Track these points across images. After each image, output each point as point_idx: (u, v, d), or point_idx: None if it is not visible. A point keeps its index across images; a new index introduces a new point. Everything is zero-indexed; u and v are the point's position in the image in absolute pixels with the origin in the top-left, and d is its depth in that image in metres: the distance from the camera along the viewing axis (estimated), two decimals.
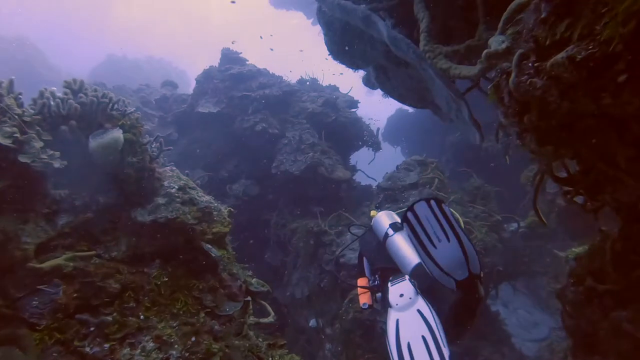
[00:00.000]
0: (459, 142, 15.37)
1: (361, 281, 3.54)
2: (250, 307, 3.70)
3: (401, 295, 2.86)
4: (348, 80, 13.62)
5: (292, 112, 11.93)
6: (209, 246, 3.53)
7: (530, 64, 1.30)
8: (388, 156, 16.45)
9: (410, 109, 22.19)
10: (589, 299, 2.88)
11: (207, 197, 3.24)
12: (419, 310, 2.73)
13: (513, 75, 1.37)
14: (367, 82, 5.72)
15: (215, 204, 3.24)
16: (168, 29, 54.58)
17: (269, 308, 3.91)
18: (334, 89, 13.10)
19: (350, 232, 4.63)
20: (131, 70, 30.41)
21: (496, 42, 1.53)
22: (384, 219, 3.54)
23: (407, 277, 2.94)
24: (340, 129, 11.90)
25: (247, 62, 12.95)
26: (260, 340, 3.68)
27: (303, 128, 11.36)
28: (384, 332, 7.05)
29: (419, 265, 2.90)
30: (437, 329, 2.60)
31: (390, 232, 3.31)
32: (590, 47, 1.01)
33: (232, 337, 3.10)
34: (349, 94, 13.11)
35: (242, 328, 3.32)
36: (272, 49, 18.10)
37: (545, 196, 8.13)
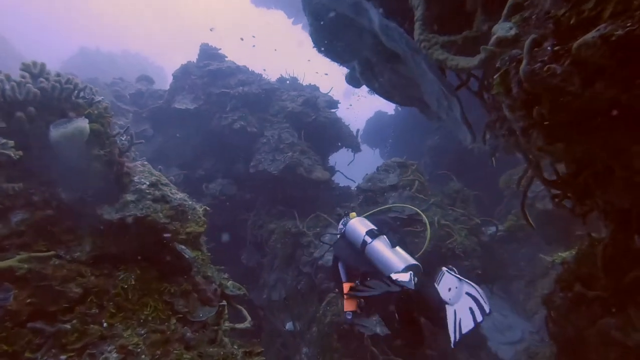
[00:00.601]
0: (438, 146, 15.44)
1: (347, 287, 3.67)
2: (226, 312, 3.50)
3: (449, 290, 3.09)
4: (328, 82, 13.54)
5: (271, 111, 11.72)
6: (183, 247, 3.31)
7: (548, 48, 1.16)
8: (366, 159, 16.40)
9: (390, 112, 22.32)
10: (577, 305, 2.80)
11: (180, 195, 3.02)
12: (467, 293, 3.08)
13: (524, 62, 1.24)
14: (351, 80, 5.57)
15: (190, 202, 3.02)
16: (145, 24, 53.47)
17: (245, 312, 3.70)
18: (314, 88, 12.95)
19: (322, 242, 4.55)
20: (105, 65, 29.41)
21: (503, 29, 1.40)
22: (358, 226, 3.76)
23: (444, 269, 3.17)
24: (320, 129, 11.75)
25: (226, 59, 12.67)
26: (236, 347, 3.47)
27: (282, 127, 11.17)
28: (361, 335, 6.86)
29: (405, 269, 3.25)
30: (481, 296, 3.04)
31: (368, 239, 3.55)
32: (629, 24, 0.87)
33: (205, 345, 2.89)
34: (329, 93, 12.97)
35: (216, 335, 3.11)
36: (254, 46, 17.82)
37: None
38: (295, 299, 8.62)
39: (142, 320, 2.50)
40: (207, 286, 3.05)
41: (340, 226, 4.17)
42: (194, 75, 11.91)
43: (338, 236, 4.11)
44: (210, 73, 11.83)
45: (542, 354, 6.71)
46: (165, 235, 2.78)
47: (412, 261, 3.48)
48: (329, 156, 13.27)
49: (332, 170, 12.13)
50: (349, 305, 3.70)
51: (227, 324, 3.49)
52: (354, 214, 4.13)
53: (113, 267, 2.66)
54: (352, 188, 13.42)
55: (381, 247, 3.54)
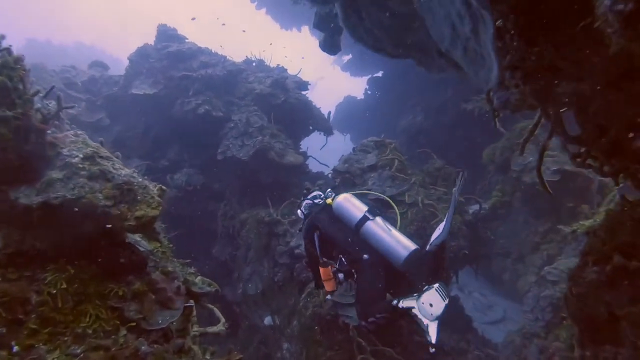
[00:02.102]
0: (411, 127, 15.11)
1: (324, 271, 3.48)
2: (194, 313, 2.89)
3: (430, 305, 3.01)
4: (295, 66, 12.84)
5: (237, 94, 10.99)
6: (136, 237, 2.67)
7: None
8: (338, 145, 15.92)
9: (359, 96, 21.86)
10: (615, 280, 2.37)
11: (127, 171, 2.37)
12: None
13: None
14: (325, 45, 5.00)
15: (140, 180, 2.38)
16: (100, 16, 50.83)
17: (218, 313, 3.11)
18: (282, 70, 12.25)
19: (302, 211, 4.05)
20: (57, 57, 27.55)
21: None
22: (354, 203, 3.56)
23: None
24: (291, 112, 11.12)
25: (187, 40, 11.79)
26: (209, 356, 2.88)
27: (250, 110, 10.47)
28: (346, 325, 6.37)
29: (414, 251, 3.19)
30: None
31: (370, 216, 3.40)
32: None
33: (169, 358, 2.29)
34: (298, 75, 12.33)
35: (183, 344, 2.51)
36: (223, 24, 16.84)
37: (510, 174, 7.84)
38: (272, 291, 8.05)
39: (78, 335, 1.87)
40: (168, 284, 2.44)
41: (309, 202, 3.96)
42: (152, 58, 11.01)
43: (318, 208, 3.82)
44: (170, 55, 10.96)
45: (538, 334, 6.41)
46: (108, 223, 2.14)
47: (414, 246, 3.35)
48: (301, 141, 12.68)
49: (304, 156, 11.54)
50: (330, 286, 3.56)
51: (196, 328, 2.88)
52: (328, 201, 3.83)
53: (38, 268, 2.01)
54: (326, 173, 12.92)
55: (382, 228, 3.37)
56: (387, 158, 8.52)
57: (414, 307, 2.95)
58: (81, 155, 2.17)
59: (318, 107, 12.91)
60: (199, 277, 3.45)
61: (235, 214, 9.85)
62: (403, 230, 3.89)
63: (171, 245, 3.19)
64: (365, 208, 3.53)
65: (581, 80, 2.38)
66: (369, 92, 21.06)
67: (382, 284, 3.32)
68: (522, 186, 7.38)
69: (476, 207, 8.87)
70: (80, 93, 11.02)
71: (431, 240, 3.45)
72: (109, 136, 10.72)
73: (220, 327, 2.91)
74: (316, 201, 3.94)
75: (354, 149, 9.15)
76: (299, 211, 4.08)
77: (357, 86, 24.40)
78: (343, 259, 3.48)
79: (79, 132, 2.38)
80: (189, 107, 10.17)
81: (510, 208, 8.63)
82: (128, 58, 11.19)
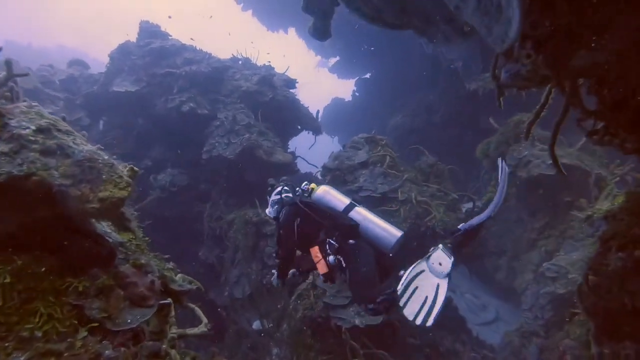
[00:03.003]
0: (401, 126, 14.92)
1: (314, 251, 3.40)
2: (172, 313, 2.56)
3: (440, 264, 3.06)
4: (281, 67, 12.54)
5: (223, 91, 10.65)
6: (102, 225, 2.33)
7: None
8: (326, 147, 15.66)
9: (347, 98, 21.65)
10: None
11: (89, 147, 2.04)
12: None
13: None
14: (315, 31, 4.71)
15: (106, 157, 2.05)
16: (83, 18, 49.91)
17: (200, 312, 2.78)
18: (270, 68, 11.93)
19: (283, 197, 3.83)
20: (39, 61, 26.86)
21: None
22: (335, 194, 3.61)
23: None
24: (278, 110, 10.81)
25: (170, 37, 11.42)
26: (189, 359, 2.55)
27: (237, 108, 10.13)
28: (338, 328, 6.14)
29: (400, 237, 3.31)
30: None
31: (353, 205, 3.48)
32: None
33: None
34: (285, 73, 12.02)
35: (158, 347, 2.17)
36: (211, 16, 16.43)
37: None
38: (261, 294, 7.70)
39: (23, 339, 1.54)
40: (140, 278, 2.11)
41: (276, 197, 3.82)
42: (134, 55, 10.63)
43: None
44: (153, 52, 10.58)
45: (538, 333, 6.17)
46: (66, 204, 1.80)
47: (400, 232, 3.41)
48: (289, 140, 12.37)
49: (293, 155, 11.23)
50: (322, 268, 3.38)
51: (174, 330, 2.55)
52: (313, 185, 3.79)
53: None
54: (314, 174, 12.62)
55: (370, 215, 3.45)
56: (379, 154, 8.27)
57: (424, 270, 2.96)
58: (33, 127, 1.83)
59: (306, 106, 12.64)
60: (179, 275, 3.12)
61: (222, 215, 9.49)
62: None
63: (147, 239, 2.85)
64: (347, 200, 3.56)
65: (601, 48, 2.13)
66: (357, 93, 20.89)
67: (374, 267, 3.32)
68: (517, 181, 7.15)
69: (470, 204, 8.65)
70: (58, 92, 10.58)
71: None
72: (89, 136, 10.27)
73: (202, 329, 2.58)
74: (284, 195, 3.81)
75: (344, 145, 8.88)
76: (268, 210, 3.93)
77: (343, 89, 24.23)
78: (332, 241, 3.36)
79: (33, 103, 2.05)
80: (173, 104, 9.80)
81: (504, 204, 8.40)
82: (109, 55, 10.79)
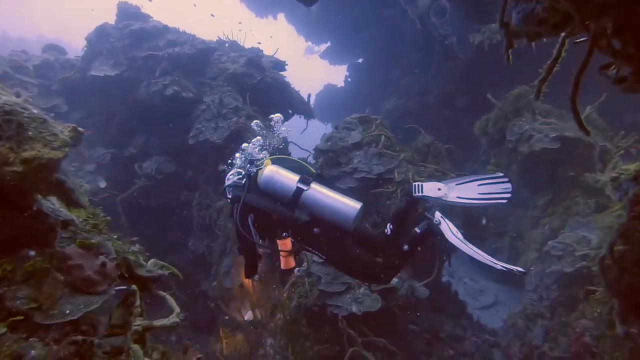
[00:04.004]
0: (395, 109, 14.55)
1: (284, 244, 3.14)
2: (137, 302, 2.17)
3: (439, 189, 3.25)
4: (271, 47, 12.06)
5: (209, 74, 10.18)
6: (51, 200, 1.93)
7: None
8: (318, 134, 15.28)
9: (340, 84, 21.19)
10: None
11: (13, 98, 1.63)
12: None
13: None
14: None
15: (35, 112, 1.64)
16: (62, 7, 48.40)
17: (172, 301, 2.39)
18: (257, 50, 11.43)
19: (225, 197, 3.63)
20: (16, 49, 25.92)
21: None
22: (283, 174, 3.22)
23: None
24: (268, 92, 10.36)
25: (151, 19, 10.88)
26: (157, 356, 2.17)
27: (224, 91, 9.68)
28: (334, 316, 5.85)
29: (361, 208, 3.07)
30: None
31: (304, 186, 3.10)
32: None
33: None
34: (274, 55, 11.54)
35: (119, 343, 1.79)
36: (195, 5, 15.84)
37: (505, 145, 7.25)
38: (252, 284, 7.34)
39: None
40: (87, 261, 1.71)
41: (231, 179, 3.51)
42: (113, 37, 10.10)
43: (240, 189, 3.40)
44: (133, 34, 10.06)
45: (543, 314, 5.87)
46: None
47: (358, 204, 3.13)
48: (281, 125, 11.90)
49: (285, 140, 10.78)
50: (289, 263, 3.21)
51: (139, 321, 2.16)
52: (268, 161, 3.42)
53: None
54: (307, 159, 12.21)
55: (320, 194, 3.10)
56: (373, 134, 7.87)
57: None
58: None
59: (297, 90, 12.19)
60: (152, 260, 2.73)
61: (212, 203, 9.08)
62: None
63: (107, 217, 2.45)
64: (296, 177, 3.17)
65: None
66: (349, 79, 20.43)
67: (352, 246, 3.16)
68: (519, 157, 6.80)
69: None
70: (32, 78, 10.01)
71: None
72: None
73: (173, 319, 2.19)
74: (232, 182, 3.52)
75: (336, 127, 8.46)
76: (226, 198, 3.63)
77: (336, 75, 23.70)
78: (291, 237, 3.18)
79: None
80: (156, 88, 9.33)
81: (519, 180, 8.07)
82: (85, 38, 10.25)
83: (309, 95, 12.64)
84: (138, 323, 2.10)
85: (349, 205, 3.06)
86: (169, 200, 9.67)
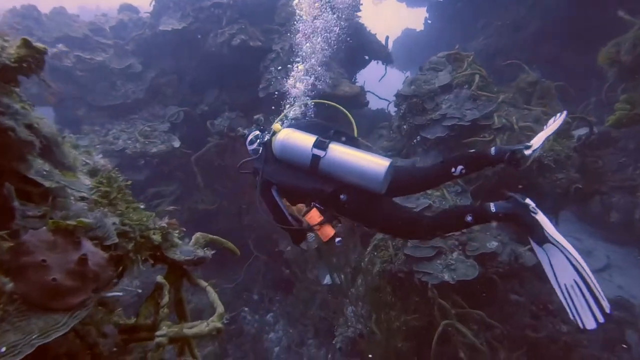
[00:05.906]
0: (484, 49, 12.76)
1: (311, 217, 2.77)
2: (166, 300, 1.54)
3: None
4: None
5: (277, 20, 9.37)
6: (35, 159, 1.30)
7: None
8: (397, 83, 14.01)
9: (419, 28, 19.32)
10: None
11: None
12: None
13: None
14: None
15: None
16: None
17: (214, 296, 1.74)
18: None
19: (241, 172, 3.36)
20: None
21: None
22: (299, 137, 2.80)
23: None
24: (342, 37, 9.36)
25: None
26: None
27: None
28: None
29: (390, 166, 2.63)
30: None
31: (321, 153, 2.69)
32: None
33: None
34: None
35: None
36: None
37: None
38: (330, 245, 6.74)
39: None
40: (59, 255, 1.07)
41: (253, 147, 3.24)
42: None
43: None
44: None
45: None
46: None
47: (387, 161, 2.68)
48: (357, 73, 10.94)
49: (362, 89, 9.84)
50: (329, 232, 2.75)
51: (166, 327, 1.54)
52: (277, 125, 3.03)
53: None
54: (387, 110, 11.19)
55: (344, 152, 2.68)
56: (465, 74, 6.65)
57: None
58: None
59: (373, 33, 11.03)
60: (197, 235, 2.08)
61: None
62: None
63: (128, 182, 1.80)
64: (312, 139, 2.74)
65: None
66: (429, 21, 18.50)
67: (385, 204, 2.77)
68: None
69: (584, 130, 6.79)
70: (109, 39, 9.94)
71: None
72: (142, 84, 9.68)
73: (214, 324, 1.54)
74: (252, 147, 3.26)
75: (420, 67, 7.31)
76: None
77: (414, 19, 21.65)
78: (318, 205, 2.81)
79: None
80: (223, 38, 8.77)
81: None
82: None
83: (387, 38, 11.42)
84: (163, 332, 1.46)
85: (376, 163, 2.63)
86: (243, 158, 9.30)
